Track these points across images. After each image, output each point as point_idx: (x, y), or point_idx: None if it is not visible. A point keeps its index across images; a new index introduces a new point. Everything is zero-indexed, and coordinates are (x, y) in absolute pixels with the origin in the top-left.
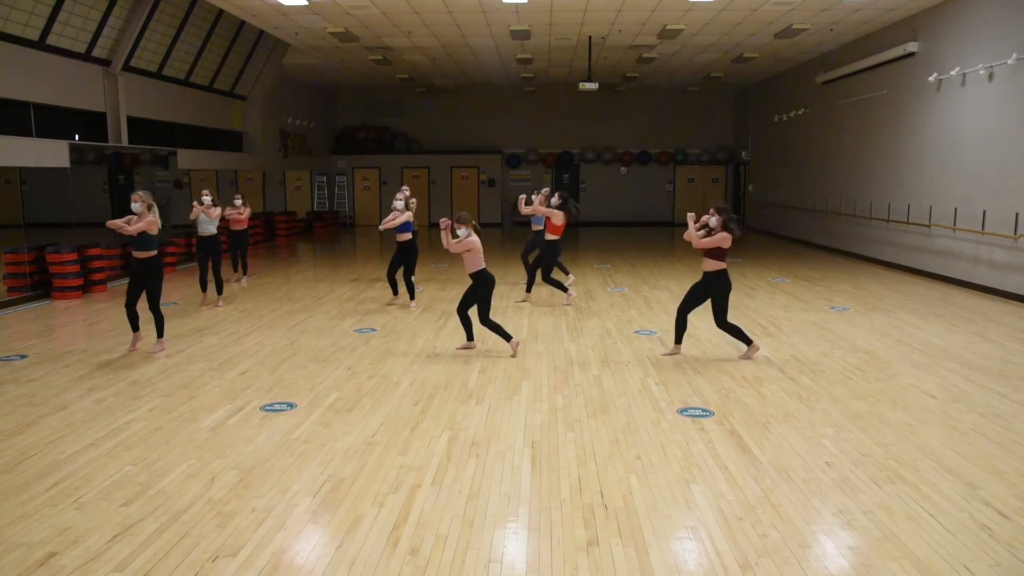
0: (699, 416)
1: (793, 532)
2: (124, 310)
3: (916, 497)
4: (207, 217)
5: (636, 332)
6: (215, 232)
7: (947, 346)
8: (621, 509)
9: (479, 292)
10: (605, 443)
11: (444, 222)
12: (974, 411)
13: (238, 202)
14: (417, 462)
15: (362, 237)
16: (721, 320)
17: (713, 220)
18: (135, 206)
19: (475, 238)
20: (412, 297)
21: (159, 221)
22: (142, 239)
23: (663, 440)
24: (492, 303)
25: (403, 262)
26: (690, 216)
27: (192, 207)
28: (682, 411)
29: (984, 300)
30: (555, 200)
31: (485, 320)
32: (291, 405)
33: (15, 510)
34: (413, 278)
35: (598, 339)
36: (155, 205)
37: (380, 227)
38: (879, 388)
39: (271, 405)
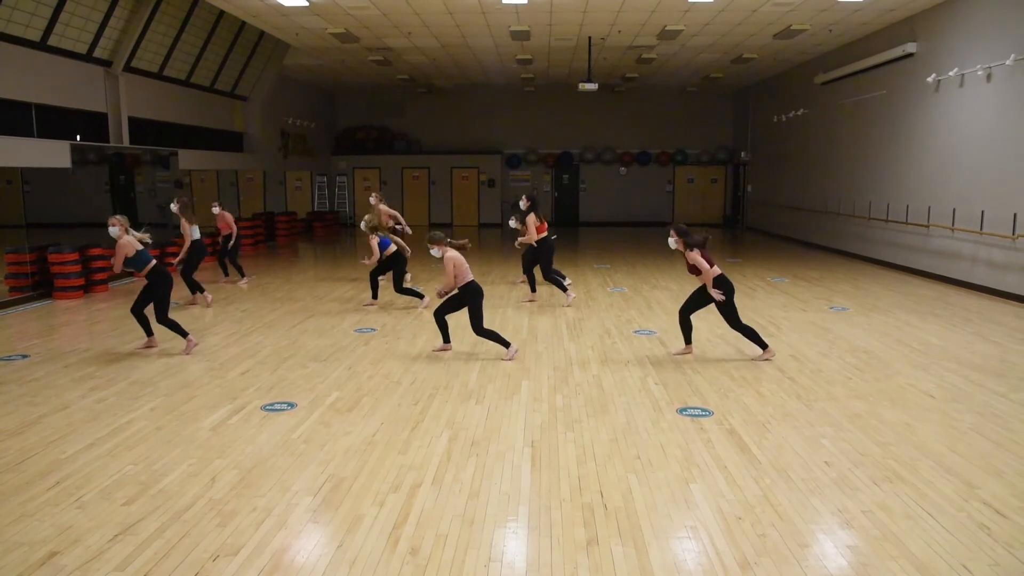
0: (698, 416)
1: (792, 531)
2: (125, 310)
3: (915, 496)
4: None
5: (636, 332)
6: (197, 237)
7: (946, 346)
8: (621, 508)
9: (467, 302)
10: (605, 443)
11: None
12: (972, 411)
13: (215, 209)
14: (417, 461)
15: (362, 237)
16: (734, 321)
17: (672, 241)
18: (113, 231)
19: (453, 254)
20: (421, 296)
21: (134, 240)
22: (135, 260)
23: (663, 440)
24: (485, 307)
25: (388, 270)
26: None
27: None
28: (681, 411)
29: (982, 300)
30: (524, 204)
31: (480, 330)
32: (292, 405)
33: (16, 509)
34: (406, 283)
35: (598, 339)
36: (129, 229)
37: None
38: (878, 388)
39: (272, 405)
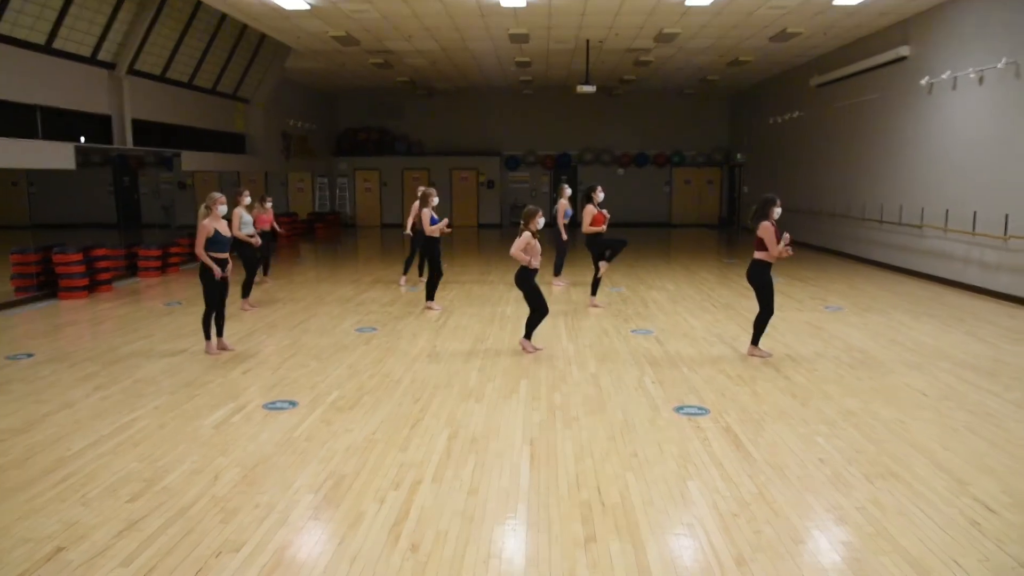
0: (695, 414)
1: (787, 527)
2: (135, 309)
3: (908, 493)
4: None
5: (633, 331)
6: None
7: (939, 345)
8: (618, 505)
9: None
10: (602, 441)
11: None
12: (965, 409)
13: (268, 204)
14: (417, 459)
15: (363, 238)
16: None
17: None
18: (223, 208)
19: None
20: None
21: (206, 224)
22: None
23: (659, 437)
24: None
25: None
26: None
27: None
28: (678, 409)
29: (975, 300)
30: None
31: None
32: (293, 403)
33: (23, 505)
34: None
35: (595, 338)
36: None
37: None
38: (872, 386)
39: (273, 403)
